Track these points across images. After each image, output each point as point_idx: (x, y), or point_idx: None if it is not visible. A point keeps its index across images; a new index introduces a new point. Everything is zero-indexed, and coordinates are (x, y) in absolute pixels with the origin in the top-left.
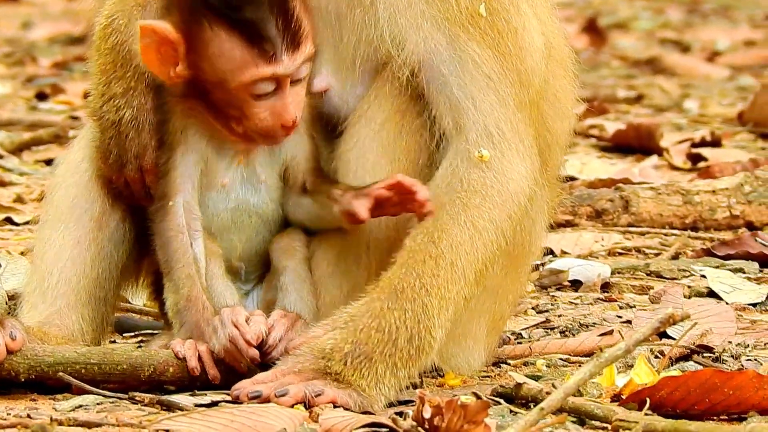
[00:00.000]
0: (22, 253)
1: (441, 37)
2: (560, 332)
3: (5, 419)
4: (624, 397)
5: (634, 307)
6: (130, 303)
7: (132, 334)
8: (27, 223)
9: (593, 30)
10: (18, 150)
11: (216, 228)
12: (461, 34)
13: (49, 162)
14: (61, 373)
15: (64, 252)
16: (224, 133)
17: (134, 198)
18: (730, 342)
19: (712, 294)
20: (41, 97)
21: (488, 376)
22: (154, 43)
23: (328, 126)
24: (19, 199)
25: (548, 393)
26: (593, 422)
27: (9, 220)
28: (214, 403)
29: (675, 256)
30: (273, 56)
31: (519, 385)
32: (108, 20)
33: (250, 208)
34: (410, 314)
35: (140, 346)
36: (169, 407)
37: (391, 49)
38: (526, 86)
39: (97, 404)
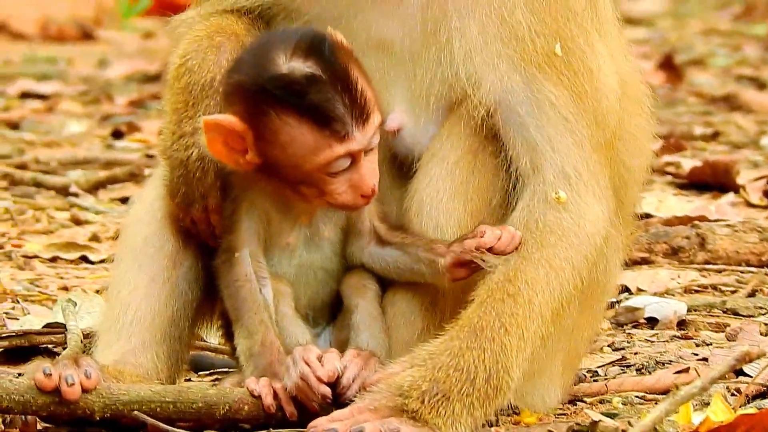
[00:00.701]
0: (97, 292)
1: (517, 77)
2: (636, 370)
3: None
4: None
5: (711, 344)
6: (204, 341)
7: (207, 372)
8: (102, 261)
9: (669, 67)
10: (94, 188)
11: None
12: (537, 74)
13: (124, 200)
14: (136, 412)
15: (138, 290)
16: (291, 198)
17: (201, 237)
18: None
19: None
20: (117, 135)
21: (564, 414)
22: (220, 136)
23: (401, 166)
24: (95, 238)
25: (624, 431)
26: None
27: (84, 259)
28: None
29: (751, 294)
30: (345, 135)
31: (595, 423)
32: (182, 60)
33: (315, 265)
34: (489, 354)
35: (215, 385)
36: None
37: (467, 88)
38: (602, 127)
39: None
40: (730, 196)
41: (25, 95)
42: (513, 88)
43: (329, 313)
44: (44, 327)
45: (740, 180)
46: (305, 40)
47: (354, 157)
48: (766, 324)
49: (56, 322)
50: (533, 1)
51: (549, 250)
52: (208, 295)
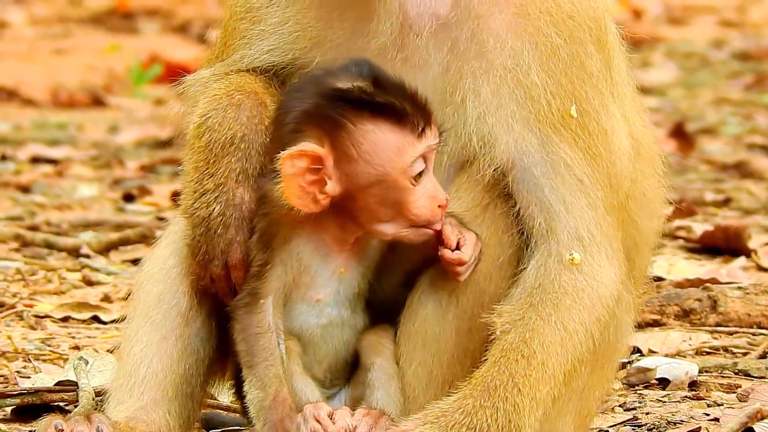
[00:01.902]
0: (109, 351)
1: (532, 138)
2: (648, 430)
3: None
4: None
5: (722, 405)
6: (216, 399)
7: (219, 430)
8: (114, 321)
9: (681, 135)
10: (105, 250)
11: (303, 341)
12: (553, 135)
13: (136, 262)
14: None
15: (150, 347)
16: (335, 243)
17: (219, 294)
18: None
19: None
20: (128, 198)
21: None
22: (301, 170)
23: None
24: (106, 298)
25: None
26: None
27: (96, 319)
28: None
29: (763, 355)
30: (421, 130)
31: None
32: (201, 118)
33: (343, 323)
34: (501, 413)
35: None
36: None
37: (481, 147)
38: (615, 189)
39: None
40: (742, 260)
41: (36, 160)
42: (527, 149)
43: (346, 375)
44: (56, 385)
45: (751, 244)
46: (354, 62)
47: (427, 160)
48: None
49: (68, 380)
50: (549, 62)
51: (564, 313)
52: (221, 353)
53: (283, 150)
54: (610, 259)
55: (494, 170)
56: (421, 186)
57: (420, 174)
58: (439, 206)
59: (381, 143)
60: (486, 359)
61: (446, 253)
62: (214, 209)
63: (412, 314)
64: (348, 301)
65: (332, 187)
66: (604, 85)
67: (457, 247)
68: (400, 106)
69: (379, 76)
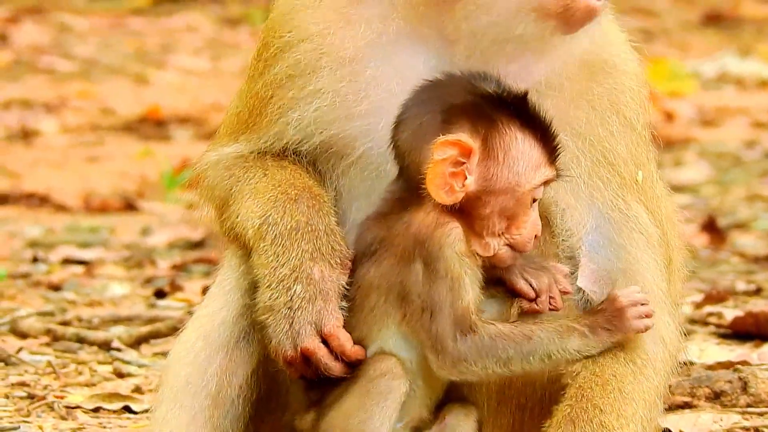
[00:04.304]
0: None
1: (612, 201)
2: None
3: None
4: None
5: None
6: None
7: None
8: (145, 411)
9: (712, 229)
10: (136, 343)
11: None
12: (629, 198)
13: (167, 354)
14: None
15: (179, 430)
16: None
17: (322, 369)
18: None
19: None
20: (160, 295)
21: None
22: (450, 159)
23: None
24: (138, 390)
25: None
26: None
27: (127, 409)
28: None
29: None
30: (554, 157)
31: None
32: (261, 219)
33: None
34: None
35: None
36: None
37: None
38: (667, 249)
39: None
40: None
41: (67, 261)
42: (608, 212)
43: None
44: None
45: None
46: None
47: (543, 190)
48: None
49: None
50: (624, 127)
51: (631, 353)
52: None
53: (426, 137)
54: (668, 307)
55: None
56: (533, 210)
57: (535, 200)
58: (535, 236)
59: (525, 155)
60: (562, 401)
61: (525, 305)
62: (295, 290)
63: None
64: None
65: (471, 183)
66: (651, 153)
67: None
68: (544, 128)
69: (524, 93)
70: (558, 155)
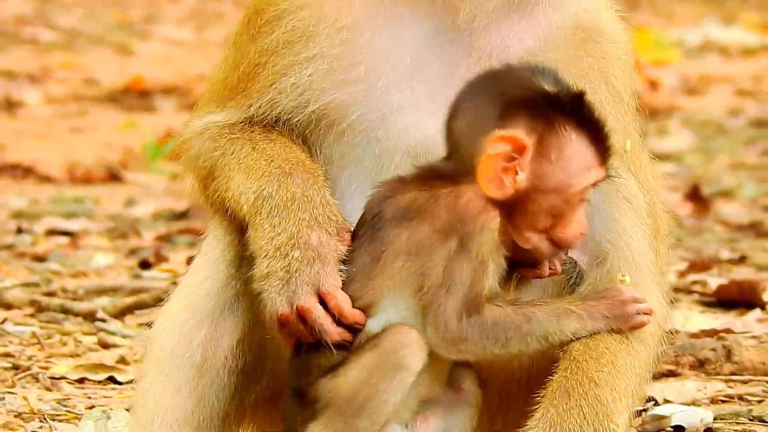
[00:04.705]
0: (126, 410)
1: None
2: None
3: None
4: None
5: None
6: None
7: None
8: (130, 382)
9: (696, 198)
10: (121, 314)
11: None
12: (618, 167)
13: (152, 325)
14: None
15: (164, 401)
16: None
17: (318, 331)
18: None
19: None
20: (144, 265)
21: None
22: (503, 154)
23: None
24: (123, 360)
25: None
26: None
27: (112, 379)
28: None
29: None
30: (605, 158)
31: None
32: (256, 194)
33: None
34: (587, 409)
35: None
36: None
37: None
38: (655, 218)
39: None
40: (757, 313)
41: (52, 232)
42: None
43: None
44: None
45: (766, 297)
46: (547, 69)
47: (591, 191)
48: None
49: None
50: (613, 97)
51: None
52: (236, 405)
53: (482, 129)
54: (656, 278)
55: None
56: (580, 210)
57: (582, 200)
58: (581, 234)
59: (578, 156)
60: (556, 372)
61: (525, 272)
62: (293, 255)
63: None
64: None
65: (522, 179)
66: (637, 123)
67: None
68: (601, 129)
69: (580, 93)
70: (609, 156)
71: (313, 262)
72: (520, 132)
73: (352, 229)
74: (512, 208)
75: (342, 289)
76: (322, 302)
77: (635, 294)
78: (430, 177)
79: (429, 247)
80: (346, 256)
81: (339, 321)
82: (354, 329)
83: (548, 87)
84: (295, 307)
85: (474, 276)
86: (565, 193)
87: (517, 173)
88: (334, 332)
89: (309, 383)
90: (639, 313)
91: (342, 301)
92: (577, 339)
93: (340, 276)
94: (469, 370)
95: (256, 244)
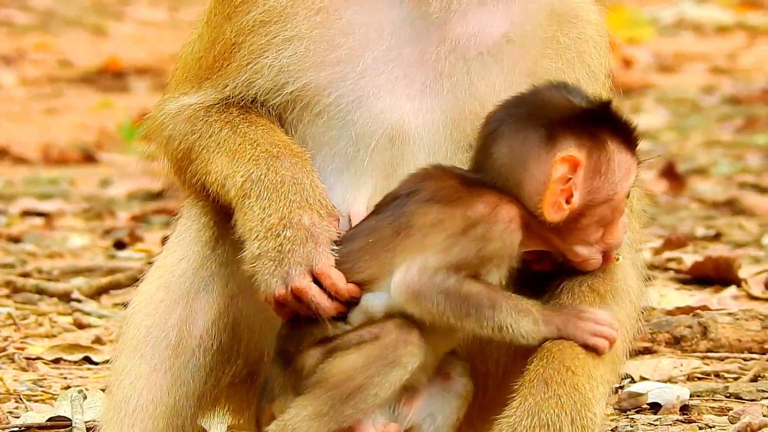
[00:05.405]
0: (102, 391)
1: None
2: None
3: None
4: None
5: (714, 427)
6: (207, 431)
7: None
8: (106, 362)
9: (671, 175)
10: (96, 294)
11: None
12: None
13: (127, 305)
14: None
15: (139, 380)
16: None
17: (314, 308)
18: None
19: None
20: (119, 246)
21: None
22: (563, 176)
23: None
24: (98, 340)
25: None
26: None
27: (88, 360)
28: None
29: (754, 379)
30: (638, 157)
31: None
32: (244, 177)
33: None
34: (564, 398)
35: None
36: None
37: None
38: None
39: None
40: (732, 290)
41: (27, 213)
42: None
43: None
44: (48, 421)
45: (742, 274)
46: (570, 85)
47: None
48: None
49: (60, 416)
50: (589, 77)
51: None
52: (212, 385)
53: (531, 154)
54: (631, 255)
55: None
56: (625, 210)
57: (626, 201)
58: (624, 232)
59: (621, 163)
60: (531, 360)
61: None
62: (285, 234)
63: None
64: None
65: (577, 198)
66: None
67: None
68: (632, 130)
69: (608, 101)
70: (640, 153)
71: (306, 241)
72: (574, 150)
73: (340, 217)
74: (561, 229)
75: (349, 260)
76: (316, 281)
77: (600, 317)
78: (474, 181)
79: (452, 226)
80: (346, 234)
81: (335, 296)
82: (349, 303)
83: (580, 102)
84: (290, 288)
85: (479, 256)
86: (613, 201)
87: (572, 194)
88: (330, 308)
89: (298, 351)
90: (597, 335)
91: (336, 278)
92: (527, 342)
93: (333, 255)
94: (461, 360)
95: (246, 227)
